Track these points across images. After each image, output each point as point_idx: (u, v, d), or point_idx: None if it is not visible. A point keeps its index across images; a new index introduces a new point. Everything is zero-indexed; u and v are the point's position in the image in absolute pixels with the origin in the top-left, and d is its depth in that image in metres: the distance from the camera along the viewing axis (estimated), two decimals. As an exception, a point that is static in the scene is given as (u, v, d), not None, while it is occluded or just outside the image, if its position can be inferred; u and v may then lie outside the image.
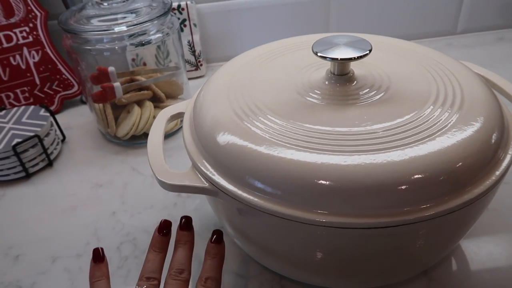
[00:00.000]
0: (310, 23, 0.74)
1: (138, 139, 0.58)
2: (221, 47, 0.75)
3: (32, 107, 0.58)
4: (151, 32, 0.55)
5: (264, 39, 0.47)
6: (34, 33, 0.63)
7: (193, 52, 0.72)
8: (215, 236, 0.35)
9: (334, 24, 0.75)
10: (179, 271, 0.32)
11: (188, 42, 0.71)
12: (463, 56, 0.73)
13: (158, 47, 0.61)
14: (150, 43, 0.55)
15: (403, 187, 0.27)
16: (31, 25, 0.63)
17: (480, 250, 0.40)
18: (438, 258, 0.37)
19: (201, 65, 0.73)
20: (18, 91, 0.65)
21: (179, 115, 0.41)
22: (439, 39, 0.78)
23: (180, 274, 0.32)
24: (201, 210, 0.47)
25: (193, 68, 0.73)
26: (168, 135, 0.59)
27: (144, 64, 0.64)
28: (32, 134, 0.53)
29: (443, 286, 0.37)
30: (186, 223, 0.35)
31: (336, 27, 0.75)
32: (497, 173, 0.30)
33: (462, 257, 0.40)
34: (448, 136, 0.29)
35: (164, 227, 0.35)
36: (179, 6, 0.68)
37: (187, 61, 0.72)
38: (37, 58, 0.64)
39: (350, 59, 0.33)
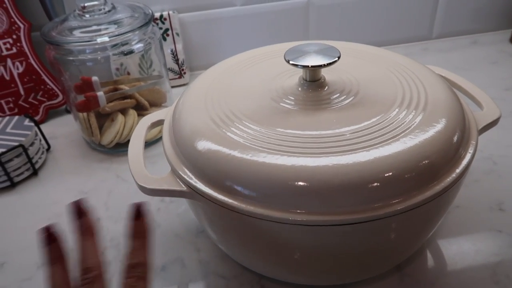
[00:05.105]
0: (290, 31, 0.76)
1: (122, 147, 0.59)
2: (204, 55, 0.77)
3: (16, 117, 0.59)
4: (133, 42, 0.56)
5: (245, 47, 0.48)
6: (18, 44, 0.64)
7: (176, 60, 0.73)
8: (133, 211, 0.29)
9: (313, 32, 0.77)
10: (85, 270, 0.27)
11: (171, 51, 0.72)
12: (438, 60, 0.75)
13: (142, 56, 0.62)
14: (133, 52, 0.57)
15: (369, 185, 0.29)
16: (14, 36, 0.64)
17: (451, 245, 0.42)
18: (410, 252, 0.39)
19: (184, 73, 0.74)
20: (2, 101, 0.65)
21: (160, 122, 0.43)
22: (415, 44, 0.81)
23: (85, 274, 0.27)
24: (185, 214, 0.48)
25: (177, 76, 0.74)
26: (153, 142, 0.60)
27: (128, 73, 0.65)
28: (16, 144, 0.54)
29: (415, 281, 0.39)
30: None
31: (315, 35, 0.77)
32: (457, 170, 0.31)
33: (433, 252, 0.41)
34: (411, 137, 0.31)
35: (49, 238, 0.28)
36: (161, 16, 0.70)
37: (171, 70, 0.73)
38: (21, 69, 0.65)
39: (320, 66, 0.35)
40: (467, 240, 0.42)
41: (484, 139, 0.54)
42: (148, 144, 0.60)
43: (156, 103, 0.63)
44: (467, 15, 0.80)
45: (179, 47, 0.72)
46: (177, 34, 0.72)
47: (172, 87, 0.71)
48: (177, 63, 0.73)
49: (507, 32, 0.81)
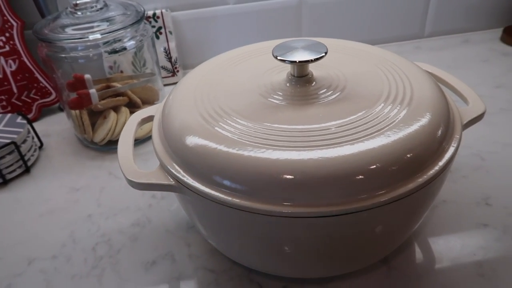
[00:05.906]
0: (283, 29, 0.77)
1: (115, 144, 0.59)
2: (197, 53, 0.77)
3: (9, 115, 0.59)
4: (125, 40, 0.56)
5: (239, 45, 0.48)
6: (11, 42, 0.65)
7: (169, 58, 0.73)
8: None
9: (306, 29, 0.77)
10: None
11: (164, 49, 0.73)
12: (430, 59, 0.76)
13: (135, 54, 0.62)
14: (125, 49, 0.57)
15: (354, 177, 0.30)
16: (7, 34, 0.64)
17: (438, 239, 0.42)
18: (396, 245, 0.39)
19: (177, 71, 0.75)
20: (-5, 100, 0.66)
21: (150, 118, 0.43)
22: (407, 42, 0.81)
23: None
24: (176, 211, 0.49)
25: (170, 74, 0.75)
26: (145, 139, 0.61)
27: (121, 72, 0.66)
28: (8, 141, 0.54)
29: (403, 274, 0.39)
30: None
31: (308, 33, 0.78)
32: (441, 163, 0.32)
33: (421, 246, 0.42)
34: (395, 131, 0.32)
35: None
36: (154, 14, 0.70)
37: (164, 68, 0.74)
38: (14, 67, 0.65)
39: (307, 61, 0.36)
40: (454, 234, 0.43)
41: (473, 136, 0.55)
42: (141, 141, 0.60)
43: (149, 101, 0.64)
44: (459, 14, 0.80)
45: (172, 45, 0.73)
46: (170, 33, 0.72)
47: (165, 85, 0.71)
48: (170, 61, 0.74)
49: (498, 31, 0.82)
